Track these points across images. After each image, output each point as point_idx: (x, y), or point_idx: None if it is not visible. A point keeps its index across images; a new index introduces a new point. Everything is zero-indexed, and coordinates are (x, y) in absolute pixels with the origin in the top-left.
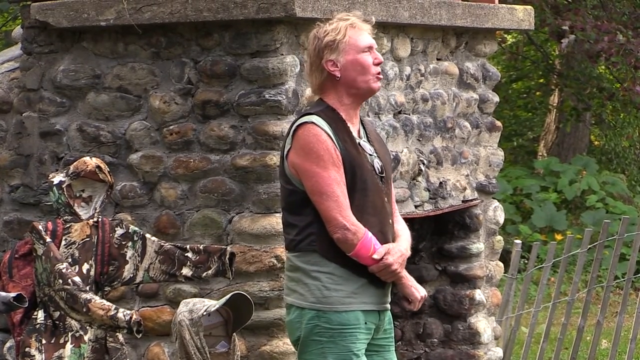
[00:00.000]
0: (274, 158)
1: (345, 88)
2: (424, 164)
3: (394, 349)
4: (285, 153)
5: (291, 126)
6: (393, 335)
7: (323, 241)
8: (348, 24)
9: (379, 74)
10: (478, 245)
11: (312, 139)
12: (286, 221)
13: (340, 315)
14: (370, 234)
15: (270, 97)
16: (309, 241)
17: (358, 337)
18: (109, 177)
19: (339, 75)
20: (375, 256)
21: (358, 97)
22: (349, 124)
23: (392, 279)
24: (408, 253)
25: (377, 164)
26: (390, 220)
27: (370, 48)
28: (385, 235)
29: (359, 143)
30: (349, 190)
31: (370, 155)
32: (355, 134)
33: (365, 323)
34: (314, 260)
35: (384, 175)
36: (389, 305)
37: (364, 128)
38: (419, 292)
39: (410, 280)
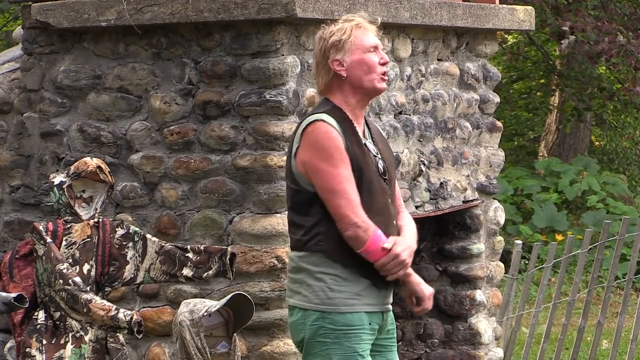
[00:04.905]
0: (274, 158)
1: (351, 88)
2: (424, 164)
3: (396, 349)
4: (293, 152)
5: (299, 125)
6: (395, 335)
7: (330, 241)
8: (354, 24)
9: (384, 74)
10: (479, 245)
11: (323, 136)
12: (292, 221)
13: (344, 316)
14: (379, 231)
15: (271, 97)
16: (316, 241)
17: (362, 337)
18: (109, 177)
19: (345, 75)
20: (386, 245)
21: (364, 96)
22: (355, 124)
23: (400, 271)
24: (415, 246)
25: (380, 165)
26: (394, 222)
27: (375, 48)
28: (389, 236)
29: (365, 144)
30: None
31: (375, 156)
32: (360, 134)
33: (370, 324)
34: (318, 261)
35: (386, 177)
36: (390, 306)
37: (368, 128)
38: (428, 289)
39: (418, 278)
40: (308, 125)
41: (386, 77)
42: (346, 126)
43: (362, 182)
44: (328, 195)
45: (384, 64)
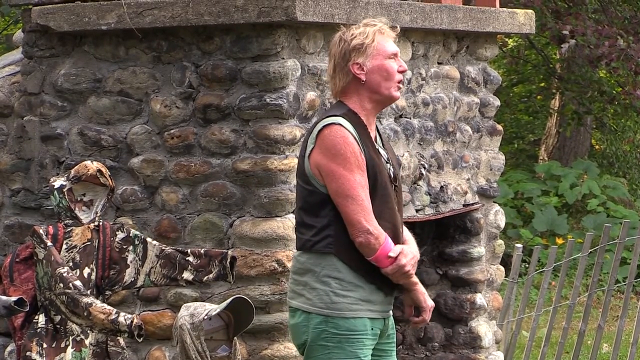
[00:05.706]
0: (275, 162)
1: (369, 93)
2: (425, 168)
3: (395, 353)
4: (308, 152)
5: (314, 126)
6: (395, 340)
7: (340, 244)
8: (376, 29)
9: (400, 82)
10: (479, 249)
11: (340, 140)
12: (302, 221)
13: (348, 321)
14: (389, 239)
15: (271, 101)
16: (326, 243)
17: (365, 343)
18: (110, 181)
19: (364, 79)
20: (391, 254)
21: (378, 103)
22: (368, 130)
23: (404, 281)
24: (418, 256)
25: (391, 171)
26: (401, 228)
27: (395, 55)
28: (397, 242)
29: (378, 149)
30: (370, 196)
31: (387, 162)
32: (373, 140)
33: (372, 329)
34: (325, 263)
35: (396, 183)
36: (391, 312)
37: (378, 134)
38: (430, 301)
39: (423, 288)
40: (324, 127)
41: (401, 86)
42: (361, 131)
43: (376, 187)
44: (342, 200)
45: (402, 72)
